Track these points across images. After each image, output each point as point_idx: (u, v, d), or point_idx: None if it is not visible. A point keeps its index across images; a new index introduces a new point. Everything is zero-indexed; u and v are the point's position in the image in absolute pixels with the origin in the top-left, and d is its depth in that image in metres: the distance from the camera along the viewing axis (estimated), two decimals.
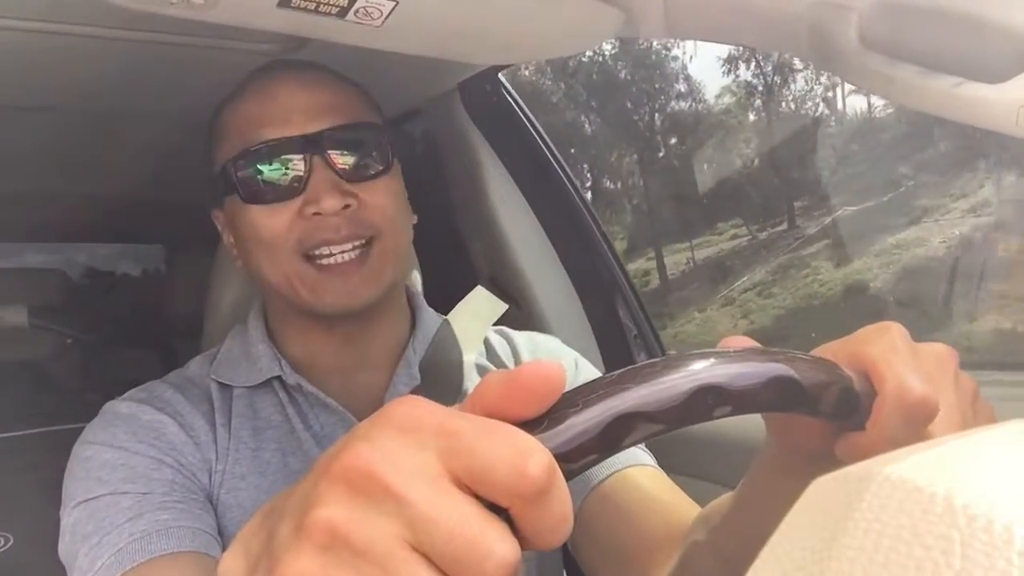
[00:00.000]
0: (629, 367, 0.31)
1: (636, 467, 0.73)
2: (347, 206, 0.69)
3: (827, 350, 0.40)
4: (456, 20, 0.71)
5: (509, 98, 1.22)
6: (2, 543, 1.19)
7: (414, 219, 0.79)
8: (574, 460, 0.28)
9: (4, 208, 1.50)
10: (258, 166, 0.70)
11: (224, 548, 0.63)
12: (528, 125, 1.23)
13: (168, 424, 0.69)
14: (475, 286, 0.89)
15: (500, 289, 0.88)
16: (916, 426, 0.37)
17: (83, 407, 0.88)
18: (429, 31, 0.72)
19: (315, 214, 0.69)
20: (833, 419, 0.38)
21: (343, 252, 0.69)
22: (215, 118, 0.76)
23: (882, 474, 0.19)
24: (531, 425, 0.28)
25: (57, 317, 1.70)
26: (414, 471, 0.25)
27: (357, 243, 0.70)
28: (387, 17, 0.66)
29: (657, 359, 0.32)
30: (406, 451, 0.26)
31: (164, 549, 0.60)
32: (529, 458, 0.25)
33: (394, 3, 0.64)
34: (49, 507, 0.73)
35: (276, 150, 0.70)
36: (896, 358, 0.38)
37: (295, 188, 0.69)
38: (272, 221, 0.70)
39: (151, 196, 1.59)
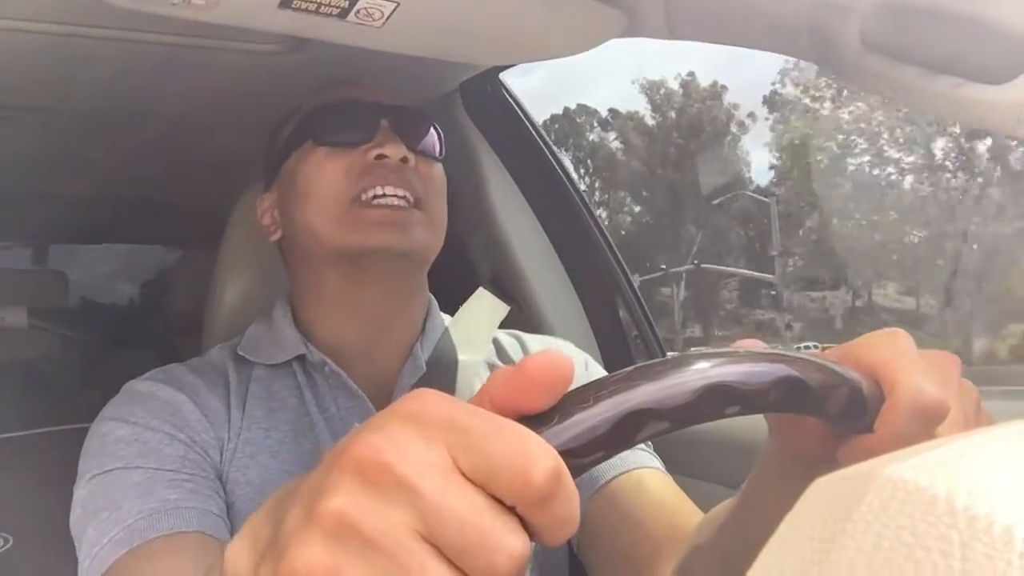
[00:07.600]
0: (639, 364, 0.31)
1: (643, 469, 0.73)
2: (406, 159, 0.74)
3: (833, 354, 0.40)
4: (457, 21, 0.71)
5: (510, 99, 1.22)
6: (1, 543, 1.19)
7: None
8: (583, 456, 0.28)
9: (3, 209, 1.50)
10: (333, 114, 0.76)
11: (231, 527, 0.65)
12: (529, 126, 1.23)
13: (184, 402, 0.70)
14: (475, 287, 0.89)
15: (500, 290, 0.88)
16: (927, 429, 0.37)
17: (83, 408, 0.88)
18: (430, 32, 0.72)
19: (378, 157, 0.73)
20: (840, 421, 0.38)
21: (395, 196, 0.73)
22: (286, 118, 0.81)
23: (882, 475, 0.18)
24: (542, 420, 0.28)
25: (56, 318, 1.70)
26: (426, 463, 0.25)
27: (408, 195, 0.73)
28: (388, 18, 0.66)
29: (667, 357, 0.32)
30: (417, 443, 0.26)
31: (171, 528, 0.61)
32: (535, 464, 0.25)
33: (395, 4, 0.64)
34: (49, 508, 0.73)
35: (353, 105, 0.77)
36: (907, 361, 0.38)
37: (363, 138, 0.75)
38: (334, 165, 0.74)
39: (152, 197, 1.59)
